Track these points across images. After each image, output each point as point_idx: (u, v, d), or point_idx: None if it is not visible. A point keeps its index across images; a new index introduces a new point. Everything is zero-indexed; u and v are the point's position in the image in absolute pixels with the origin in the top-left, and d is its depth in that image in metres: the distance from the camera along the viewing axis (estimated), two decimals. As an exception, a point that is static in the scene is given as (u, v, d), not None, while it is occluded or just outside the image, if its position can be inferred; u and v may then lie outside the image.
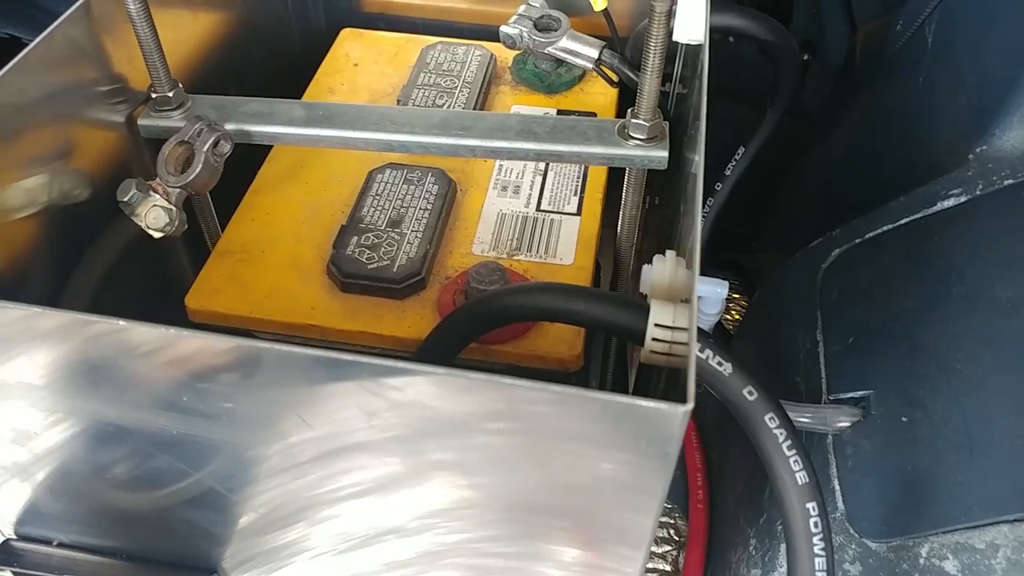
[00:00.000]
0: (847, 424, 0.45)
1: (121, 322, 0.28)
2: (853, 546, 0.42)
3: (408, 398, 0.28)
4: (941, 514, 0.39)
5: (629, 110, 0.45)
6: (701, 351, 0.34)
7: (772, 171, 0.77)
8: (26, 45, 1.32)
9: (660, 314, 0.34)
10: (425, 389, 0.28)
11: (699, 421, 0.65)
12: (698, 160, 0.37)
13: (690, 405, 0.26)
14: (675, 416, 0.26)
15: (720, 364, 0.34)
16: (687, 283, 0.37)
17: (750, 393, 0.34)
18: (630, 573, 0.35)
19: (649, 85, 0.43)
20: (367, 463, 0.32)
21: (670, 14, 0.41)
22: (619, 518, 0.33)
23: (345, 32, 0.63)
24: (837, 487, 0.44)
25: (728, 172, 0.65)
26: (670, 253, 0.38)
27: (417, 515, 0.35)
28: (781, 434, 0.34)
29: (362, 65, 0.60)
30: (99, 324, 0.28)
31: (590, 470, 0.30)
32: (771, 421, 0.34)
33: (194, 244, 0.53)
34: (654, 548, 0.59)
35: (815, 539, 0.34)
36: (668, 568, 0.58)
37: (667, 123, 0.45)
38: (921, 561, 0.39)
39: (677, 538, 0.59)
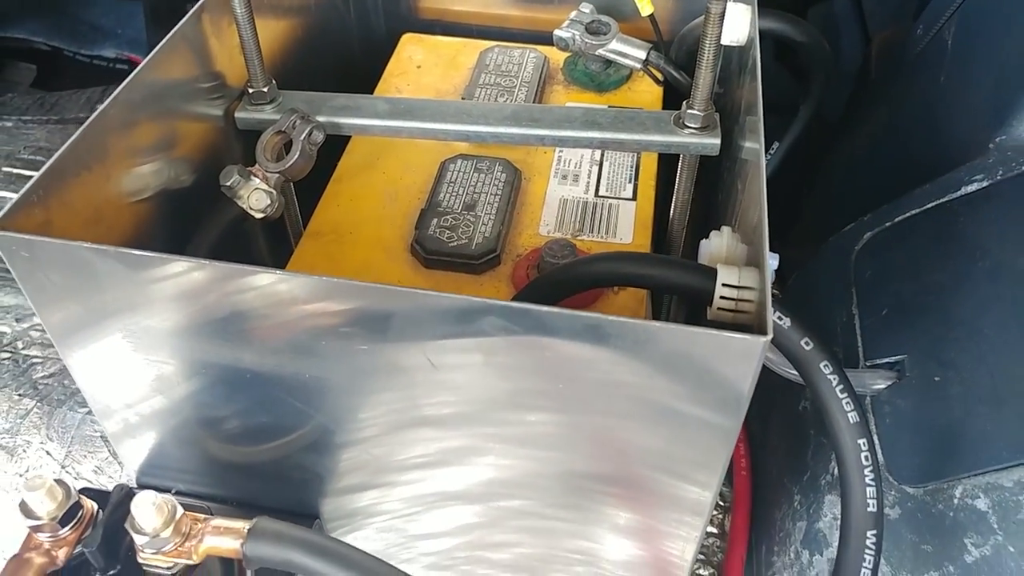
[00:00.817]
0: (884, 386, 0.50)
1: (278, 272, 0.33)
2: (892, 492, 0.47)
3: (521, 340, 0.33)
4: (972, 459, 0.43)
5: (684, 102, 0.50)
6: (763, 307, 0.38)
7: (796, 175, 0.82)
8: (69, 56, 1.40)
9: (727, 275, 0.38)
10: (535, 328, 0.33)
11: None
12: (758, 148, 0.41)
13: (770, 336, 0.30)
14: (756, 345, 0.30)
15: (780, 319, 0.38)
16: (742, 255, 0.42)
17: (807, 344, 0.38)
18: (705, 500, 0.40)
19: (704, 79, 0.48)
20: (472, 415, 0.37)
21: (723, 16, 0.45)
22: (697, 454, 0.37)
23: (406, 37, 0.68)
24: (877, 442, 0.49)
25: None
26: (725, 228, 0.43)
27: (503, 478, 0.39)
28: (835, 379, 0.38)
29: (425, 67, 0.65)
30: (259, 275, 0.33)
31: (676, 403, 0.34)
32: (825, 368, 0.38)
33: (274, 229, 0.58)
34: (699, 512, 0.63)
35: (866, 471, 0.38)
36: (715, 530, 0.62)
37: (718, 113, 0.50)
38: (955, 501, 0.44)
39: (722, 503, 0.63)
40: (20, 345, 0.69)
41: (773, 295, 0.37)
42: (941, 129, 0.61)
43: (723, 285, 0.38)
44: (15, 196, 0.37)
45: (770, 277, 0.50)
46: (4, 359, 0.68)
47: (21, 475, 0.62)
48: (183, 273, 0.35)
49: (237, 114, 0.52)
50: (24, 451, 0.63)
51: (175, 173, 0.50)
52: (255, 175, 0.49)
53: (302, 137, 0.49)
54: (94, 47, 1.40)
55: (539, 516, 0.45)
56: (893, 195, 0.60)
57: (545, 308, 0.32)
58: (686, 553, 0.44)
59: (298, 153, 0.49)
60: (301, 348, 0.36)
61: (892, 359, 0.51)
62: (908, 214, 0.57)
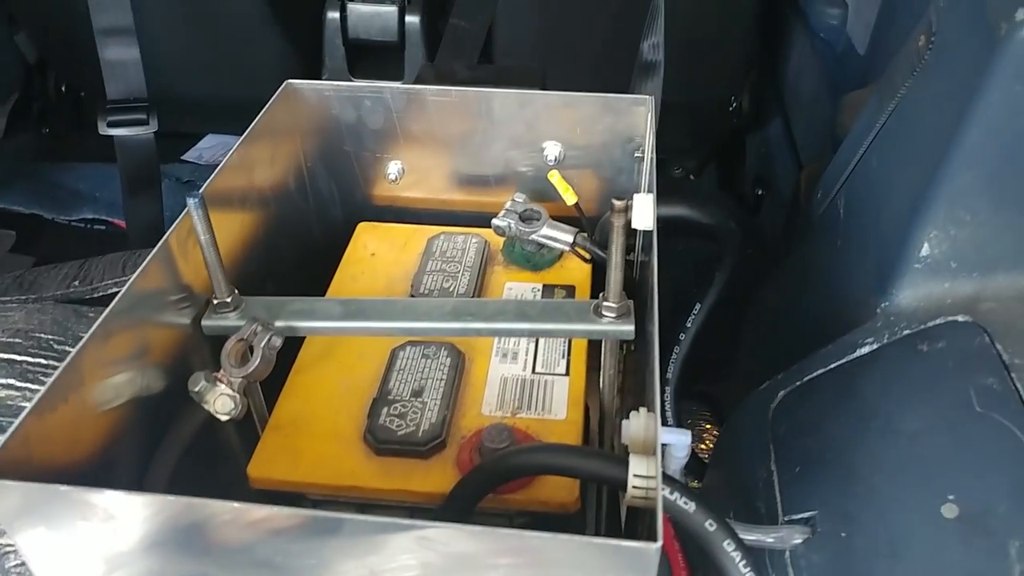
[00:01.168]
0: (800, 541, 0.55)
1: (235, 504, 0.38)
2: (812, 645, 0.51)
3: (450, 549, 0.38)
4: (875, 613, 0.48)
5: (601, 294, 0.57)
6: (670, 494, 0.44)
7: (736, 301, 0.89)
8: (48, 221, 1.48)
9: (637, 466, 0.44)
10: (460, 539, 0.38)
11: (683, 543, 0.74)
12: (653, 331, 0.48)
13: (659, 543, 0.35)
14: (649, 552, 0.36)
15: (686, 503, 0.44)
16: (657, 435, 0.47)
17: (710, 525, 0.44)
18: None
19: (614, 276, 0.55)
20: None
21: (626, 227, 0.53)
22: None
23: (362, 226, 0.76)
24: (796, 596, 0.54)
25: (688, 325, 0.77)
26: (642, 410, 0.49)
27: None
28: (737, 555, 0.43)
29: (378, 254, 0.72)
30: (209, 506, 0.38)
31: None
32: (728, 545, 0.43)
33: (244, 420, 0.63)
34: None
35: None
36: None
37: (631, 301, 0.57)
38: (864, 654, 0.48)
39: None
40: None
41: (714, 435, 0.42)
42: (839, 291, 0.68)
43: (634, 476, 0.44)
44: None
45: (684, 456, 0.56)
46: (-17, 549, 0.71)
47: None
48: (141, 506, 0.39)
49: (203, 322, 0.58)
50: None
51: (146, 380, 0.55)
52: (220, 380, 0.55)
53: (262, 344, 0.55)
54: (72, 212, 1.48)
55: None
56: (803, 352, 0.66)
57: (466, 528, 0.37)
58: None
59: (259, 359, 0.55)
60: (254, 560, 0.41)
61: (805, 515, 0.56)
62: (814, 374, 0.63)
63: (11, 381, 0.85)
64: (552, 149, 0.72)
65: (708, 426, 0.90)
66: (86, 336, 0.48)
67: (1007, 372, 0.51)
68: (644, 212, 0.55)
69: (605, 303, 0.56)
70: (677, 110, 0.97)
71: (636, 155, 0.70)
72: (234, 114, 1.72)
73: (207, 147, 1.68)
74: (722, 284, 0.74)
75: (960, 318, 0.57)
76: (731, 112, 1.54)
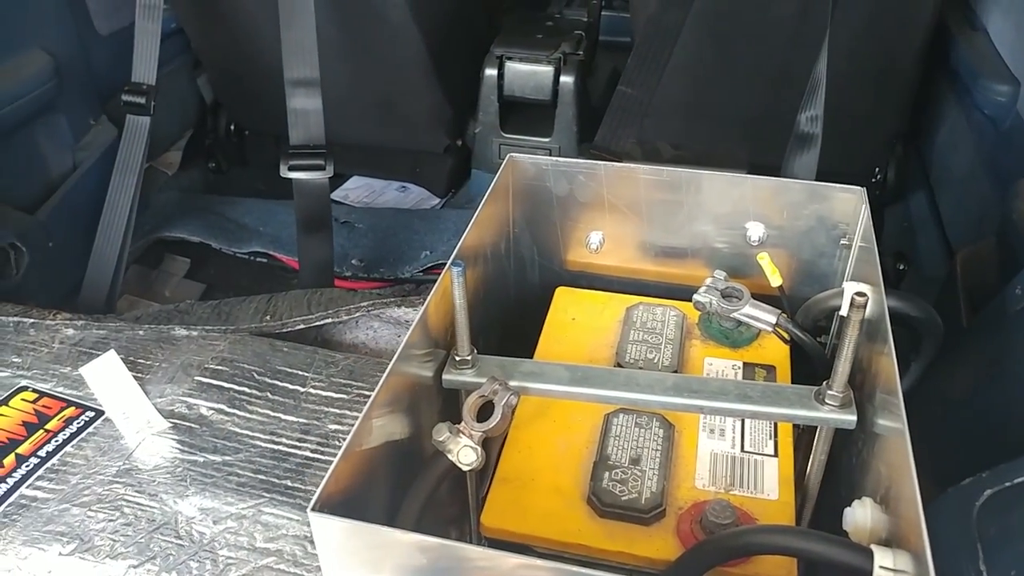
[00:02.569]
0: (1017, 646, 0.55)
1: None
2: None
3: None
4: None
5: (824, 382, 0.59)
6: (911, 588, 0.46)
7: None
8: (215, 251, 1.60)
9: (884, 558, 0.46)
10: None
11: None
12: (901, 428, 0.50)
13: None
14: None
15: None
16: (884, 526, 0.49)
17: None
18: None
19: (842, 368, 0.57)
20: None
21: (863, 322, 0.55)
22: None
23: (560, 290, 0.80)
24: None
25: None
26: (867, 500, 0.51)
27: None
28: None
29: (578, 320, 0.77)
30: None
31: None
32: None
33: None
34: None
35: None
36: None
37: (852, 391, 0.59)
38: None
39: None
40: (217, 545, 0.79)
41: None
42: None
43: (880, 567, 0.46)
44: (324, 477, 0.47)
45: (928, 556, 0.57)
46: (204, 558, 0.78)
47: (218, 674, 0.70)
48: (450, 556, 0.44)
49: (444, 376, 0.63)
50: (220, 650, 0.71)
51: (394, 427, 0.60)
52: (462, 432, 0.60)
53: (503, 402, 0.60)
54: (240, 245, 1.59)
55: None
56: (1005, 452, 0.67)
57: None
58: None
59: (499, 416, 0.60)
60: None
61: (1022, 620, 0.56)
62: None
63: (221, 406, 0.93)
64: (755, 230, 0.75)
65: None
66: (377, 389, 0.53)
67: None
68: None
69: (829, 391, 0.58)
70: (820, 179, 0.99)
71: (842, 242, 0.73)
72: (381, 158, 1.82)
73: (353, 188, 1.78)
74: (918, 375, 0.75)
75: None
76: (874, 184, 1.53)
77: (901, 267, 1.45)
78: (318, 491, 0.45)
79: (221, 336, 1.06)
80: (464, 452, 0.59)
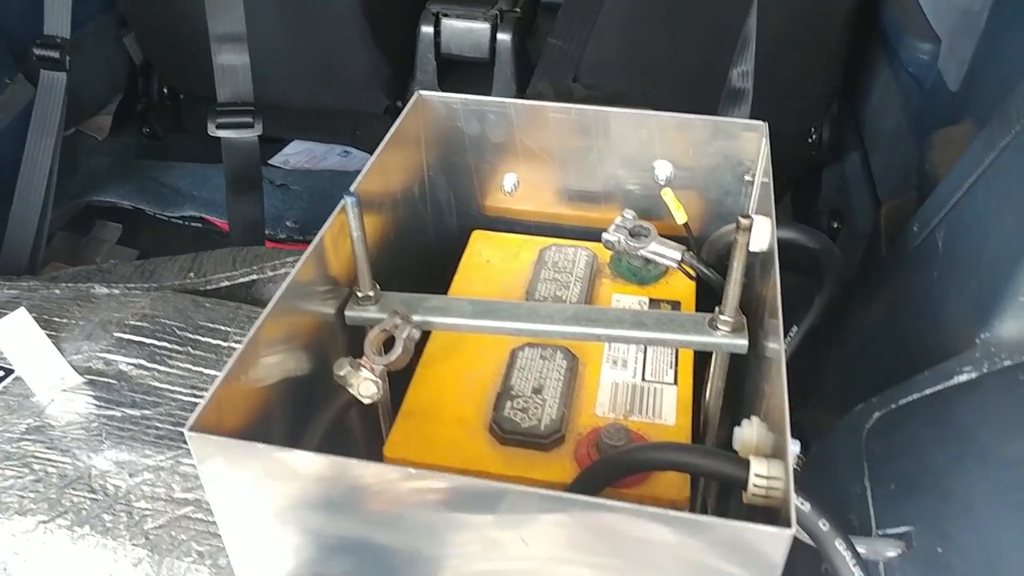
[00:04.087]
0: (894, 554, 0.58)
1: (392, 467, 0.43)
2: (906, 652, 0.54)
3: (590, 523, 0.42)
4: (972, 625, 0.51)
5: (716, 307, 0.60)
6: (787, 494, 0.47)
7: (818, 345, 0.92)
8: (149, 217, 1.56)
9: (759, 466, 0.48)
10: (602, 515, 0.42)
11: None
12: (778, 348, 0.52)
13: (792, 530, 0.39)
14: (782, 537, 0.39)
15: (802, 503, 0.47)
16: (769, 442, 0.51)
17: (824, 524, 0.47)
18: None
19: (732, 292, 0.59)
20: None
21: (748, 244, 0.57)
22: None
23: (476, 234, 0.81)
24: (890, 605, 0.57)
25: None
26: (755, 418, 0.53)
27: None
28: (848, 554, 0.47)
29: (493, 262, 0.77)
30: (371, 467, 0.43)
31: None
32: (839, 544, 0.47)
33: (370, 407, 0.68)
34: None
35: (879, 636, 0.46)
36: None
37: (744, 317, 0.61)
38: (959, 662, 0.51)
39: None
40: (133, 498, 0.79)
41: (796, 470, 0.46)
42: (935, 322, 0.71)
43: (755, 475, 0.48)
44: (202, 401, 0.47)
45: (792, 463, 0.59)
46: (120, 510, 0.77)
47: (132, 618, 0.70)
48: (334, 469, 0.45)
49: (346, 312, 0.64)
50: (135, 596, 0.71)
51: (294, 364, 0.60)
52: (363, 366, 0.60)
53: (403, 335, 0.60)
54: (174, 208, 1.57)
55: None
56: (896, 377, 0.69)
57: (614, 503, 0.41)
58: None
59: (401, 349, 0.60)
60: (404, 522, 0.45)
61: (900, 530, 0.59)
62: (909, 399, 0.66)
63: (141, 361, 0.92)
64: (662, 168, 0.76)
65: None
66: (260, 318, 0.53)
67: (1109, 408, 0.54)
68: (761, 234, 0.59)
69: (721, 317, 0.60)
70: None
71: (746, 178, 0.74)
72: (319, 121, 1.79)
73: (292, 152, 1.76)
74: (821, 308, 0.78)
75: (1063, 352, 0.59)
76: (810, 144, 1.55)
77: (836, 225, 1.48)
78: (195, 412, 0.45)
79: (143, 294, 1.04)
80: (364, 385, 0.59)
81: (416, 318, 0.62)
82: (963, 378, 0.63)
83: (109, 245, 1.56)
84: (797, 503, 0.47)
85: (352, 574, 0.50)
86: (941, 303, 0.72)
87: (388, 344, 0.61)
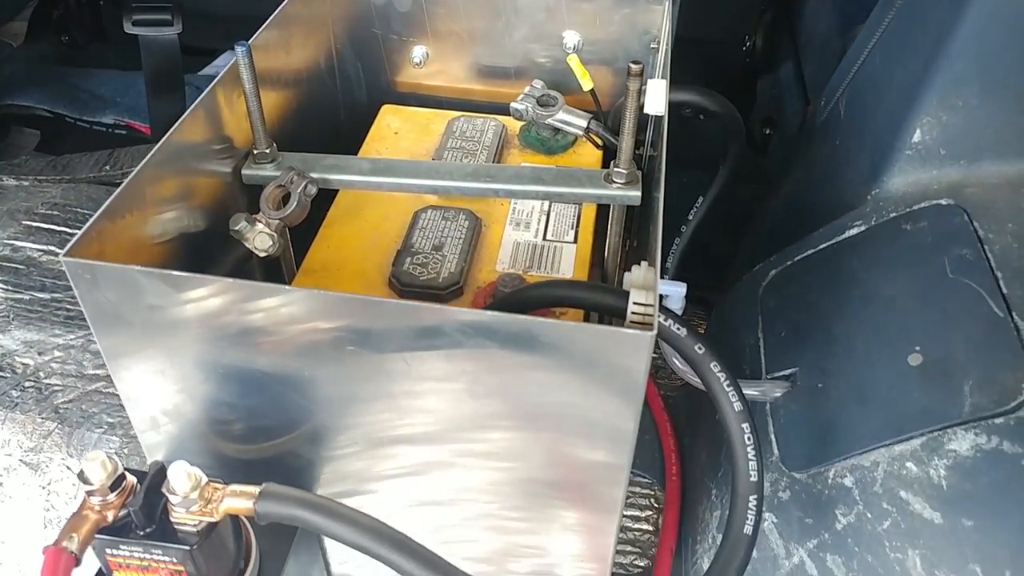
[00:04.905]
0: (780, 394, 0.60)
1: (285, 288, 0.43)
2: (784, 479, 0.57)
3: (470, 338, 0.43)
4: (843, 446, 0.54)
5: (612, 161, 0.61)
6: (664, 320, 0.49)
7: (735, 226, 0.94)
8: (70, 122, 1.51)
9: (637, 296, 0.49)
10: (481, 325, 0.43)
11: (673, 416, 0.79)
12: (659, 196, 0.53)
13: (654, 332, 0.41)
14: (645, 337, 0.41)
15: (678, 329, 0.49)
16: (652, 282, 0.52)
17: (699, 348, 0.49)
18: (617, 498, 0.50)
19: (625, 142, 0.59)
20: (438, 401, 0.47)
21: (640, 92, 0.57)
22: (609, 432, 0.47)
23: (385, 108, 0.80)
24: (774, 439, 0.59)
25: (690, 218, 0.82)
26: (643, 263, 0.54)
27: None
28: (723, 376, 0.49)
29: (401, 133, 0.77)
30: (269, 291, 0.43)
31: (591, 387, 0.44)
32: (715, 367, 0.49)
33: (271, 269, 0.68)
34: (637, 512, 0.73)
35: (749, 449, 0.48)
36: (650, 528, 0.71)
37: (640, 171, 0.61)
38: (829, 481, 0.54)
39: (656, 505, 0.73)
40: (42, 375, 0.78)
41: (686, 318, 0.48)
42: (835, 185, 0.73)
43: (633, 303, 0.49)
44: (79, 233, 0.46)
45: (680, 303, 0.61)
46: (28, 387, 0.77)
47: (44, 487, 0.70)
48: (210, 291, 0.45)
49: (243, 171, 0.63)
50: (47, 466, 0.71)
51: (191, 221, 0.60)
52: (259, 221, 0.60)
53: (299, 190, 0.60)
54: (95, 114, 1.51)
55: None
56: (800, 235, 0.71)
57: (489, 313, 0.42)
58: (610, 528, 0.54)
59: (296, 203, 0.60)
60: (301, 352, 0.46)
61: (787, 372, 0.61)
62: (804, 254, 0.68)
63: (51, 248, 0.91)
64: (571, 38, 0.76)
65: (702, 329, 0.95)
66: (142, 163, 0.52)
67: (980, 245, 0.56)
68: (657, 97, 0.60)
69: (616, 169, 0.60)
70: (691, 45, 1.00)
71: (652, 46, 0.74)
72: (248, 30, 1.73)
73: (223, 64, 1.70)
74: (726, 176, 0.79)
75: (944, 201, 0.61)
76: (744, 51, 1.55)
77: (767, 132, 1.49)
78: (72, 242, 0.45)
79: (55, 184, 1.02)
80: (260, 239, 0.59)
81: (313, 175, 0.62)
82: (853, 232, 0.65)
83: (27, 151, 1.51)
84: (673, 328, 0.49)
85: (237, 408, 0.51)
86: (840, 167, 0.73)
87: (285, 200, 0.61)
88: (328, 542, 0.62)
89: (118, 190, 0.50)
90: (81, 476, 0.44)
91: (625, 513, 0.72)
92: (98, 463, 0.43)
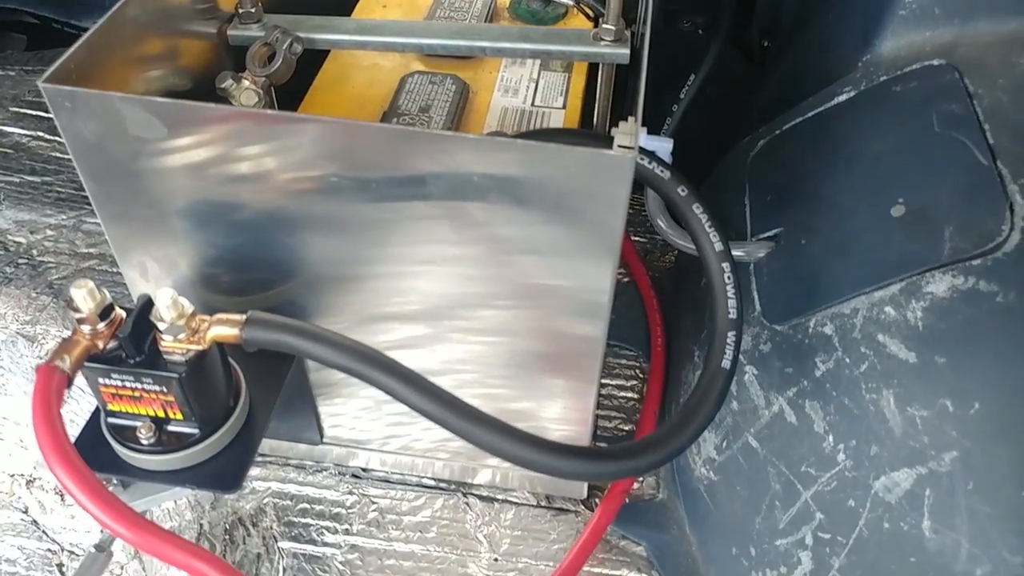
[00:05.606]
0: (763, 254, 0.61)
1: (268, 112, 0.43)
2: (766, 332, 0.58)
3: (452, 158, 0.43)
4: (823, 296, 0.54)
5: (600, 18, 0.60)
6: (648, 163, 0.49)
7: (726, 108, 0.93)
8: (57, 28, 1.47)
9: (621, 138, 0.49)
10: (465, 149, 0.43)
11: (658, 292, 0.80)
12: (645, 53, 0.52)
13: (635, 154, 0.41)
14: (626, 158, 0.41)
15: (661, 171, 0.49)
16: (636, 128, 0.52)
17: (682, 191, 0.49)
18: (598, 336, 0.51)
19: (614, 2, 0.58)
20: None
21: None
22: (591, 261, 0.47)
23: (374, -23, 0.78)
24: (756, 297, 0.60)
25: (682, 96, 0.81)
26: (630, 118, 0.54)
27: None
28: (704, 217, 0.49)
29: (389, 7, 0.76)
30: (258, 117, 0.43)
31: (574, 213, 0.45)
32: (696, 208, 0.49)
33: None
34: (623, 382, 0.74)
35: (728, 287, 0.49)
36: (635, 396, 0.73)
37: (629, 31, 0.61)
38: (810, 330, 0.55)
39: (642, 375, 0.74)
40: (35, 253, 0.78)
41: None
42: (827, 54, 0.72)
43: (618, 146, 0.49)
44: (54, 66, 0.46)
45: (668, 159, 0.61)
46: (22, 263, 0.77)
47: (41, 359, 0.71)
48: (195, 118, 0.45)
49: (229, 32, 0.62)
50: (43, 338, 0.72)
51: (177, 80, 0.59)
52: (245, 79, 0.59)
53: (284, 47, 0.59)
54: (81, 18, 1.48)
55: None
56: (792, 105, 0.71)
57: (471, 136, 0.42)
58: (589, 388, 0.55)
59: (281, 60, 0.59)
60: (287, 186, 0.46)
61: (771, 233, 0.62)
62: (794, 123, 0.68)
63: (40, 133, 0.90)
64: (564, -92, 0.74)
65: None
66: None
67: (970, 99, 0.56)
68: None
69: (604, 27, 0.60)
70: None
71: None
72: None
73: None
74: (716, 54, 0.78)
75: (935, 62, 0.61)
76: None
77: (765, 43, 1.46)
78: (51, 68, 0.45)
79: (39, 75, 1.00)
80: (246, 95, 0.59)
81: (299, 34, 0.61)
82: (843, 98, 0.65)
83: (14, 55, 1.49)
84: (656, 171, 0.49)
85: (225, 252, 0.51)
86: (832, 39, 0.72)
87: (271, 59, 0.60)
88: (320, 402, 0.63)
89: (98, 23, 0.49)
90: (70, 304, 0.44)
91: (611, 382, 0.73)
92: (86, 291, 0.44)
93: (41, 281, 0.76)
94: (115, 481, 0.52)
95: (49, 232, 0.80)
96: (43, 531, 0.63)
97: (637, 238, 0.86)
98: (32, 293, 0.75)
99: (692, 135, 0.85)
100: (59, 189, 0.84)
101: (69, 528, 0.63)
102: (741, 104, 0.96)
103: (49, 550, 0.62)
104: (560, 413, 0.61)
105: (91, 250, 0.79)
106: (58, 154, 0.89)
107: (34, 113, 0.91)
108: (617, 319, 0.77)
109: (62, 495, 0.65)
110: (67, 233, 0.80)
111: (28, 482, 0.65)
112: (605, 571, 0.62)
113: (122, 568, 0.61)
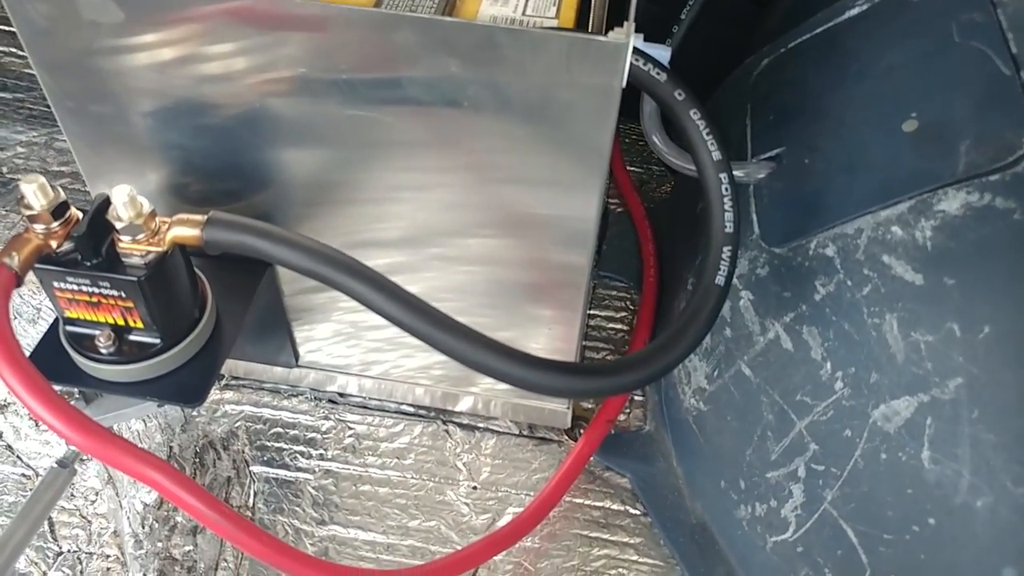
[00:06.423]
0: (763, 174, 0.58)
1: None
2: (764, 255, 0.55)
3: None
4: (826, 216, 0.51)
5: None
6: (643, 65, 0.46)
7: (731, 47, 0.89)
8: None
9: (616, 34, 0.46)
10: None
11: (653, 223, 0.77)
12: None
13: (630, 41, 0.38)
14: (620, 46, 0.38)
15: (658, 74, 0.46)
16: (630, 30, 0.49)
17: (679, 95, 0.46)
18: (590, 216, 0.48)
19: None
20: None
21: None
22: (583, 155, 0.44)
23: None
24: (755, 219, 0.57)
25: (683, 16, 0.77)
26: (625, 23, 0.50)
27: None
28: (702, 123, 0.46)
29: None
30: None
31: (564, 105, 0.42)
32: (695, 114, 0.46)
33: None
34: (612, 313, 0.71)
35: (726, 199, 0.46)
36: (625, 327, 0.70)
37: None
38: (810, 252, 0.52)
39: (632, 308, 0.71)
40: (5, 169, 0.75)
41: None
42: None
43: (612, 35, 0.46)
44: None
45: (666, 61, 0.57)
46: (-11, 180, 0.74)
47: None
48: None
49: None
50: (9, 255, 0.70)
51: None
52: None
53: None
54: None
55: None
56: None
57: (449, 19, 0.39)
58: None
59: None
60: (250, 76, 0.43)
61: (772, 153, 0.58)
62: (800, 40, 0.64)
63: (12, 49, 0.86)
64: None
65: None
66: None
67: (993, 7, 0.52)
68: None
69: (601, -75, 0.56)
70: None
71: None
72: None
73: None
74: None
75: (954, -28, 0.57)
76: None
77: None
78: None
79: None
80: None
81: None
82: (854, 12, 0.61)
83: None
84: (653, 73, 0.46)
85: (191, 155, 0.48)
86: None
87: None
88: (296, 327, 0.61)
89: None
90: (20, 201, 0.41)
91: (600, 314, 0.71)
92: (36, 186, 0.41)
93: (11, 199, 0.73)
94: (76, 395, 0.49)
95: (20, 149, 0.77)
96: (17, 456, 0.61)
97: (633, 168, 0.83)
98: (2, 211, 0.72)
99: (694, 68, 0.81)
100: (31, 106, 0.81)
101: (44, 453, 0.61)
102: (744, 45, 0.92)
103: (23, 475, 0.60)
104: (545, 343, 0.59)
105: (63, 168, 0.76)
106: (30, 70, 0.85)
107: (5, 28, 0.87)
108: (609, 249, 0.75)
109: (36, 422, 0.63)
110: (38, 151, 0.77)
111: (1, 407, 0.63)
112: (588, 502, 0.60)
113: (96, 494, 0.59)
